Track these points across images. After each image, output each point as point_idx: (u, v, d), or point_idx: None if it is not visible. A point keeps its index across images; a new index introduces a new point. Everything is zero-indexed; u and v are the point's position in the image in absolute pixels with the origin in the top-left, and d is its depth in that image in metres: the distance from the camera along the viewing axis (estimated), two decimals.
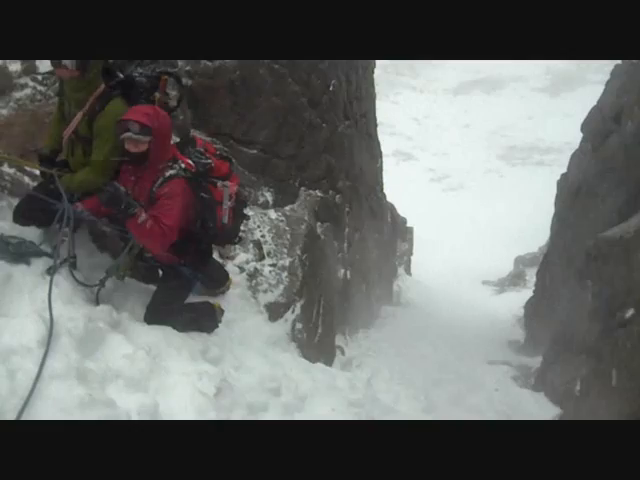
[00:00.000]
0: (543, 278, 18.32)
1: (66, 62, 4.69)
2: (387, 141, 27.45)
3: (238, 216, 5.46)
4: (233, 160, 5.89)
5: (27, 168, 5.68)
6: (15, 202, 5.29)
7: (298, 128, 9.80)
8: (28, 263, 4.70)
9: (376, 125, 18.56)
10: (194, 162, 5.07)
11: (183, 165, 4.98)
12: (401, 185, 35.78)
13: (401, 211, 25.19)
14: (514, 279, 29.96)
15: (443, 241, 37.11)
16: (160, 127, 4.77)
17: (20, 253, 4.68)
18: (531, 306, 19.12)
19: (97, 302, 4.95)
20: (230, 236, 5.53)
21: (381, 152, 19.61)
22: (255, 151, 9.07)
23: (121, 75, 5.12)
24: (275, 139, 9.36)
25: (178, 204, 4.90)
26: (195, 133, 7.93)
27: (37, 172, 5.56)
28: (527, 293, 21.79)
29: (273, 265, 7.59)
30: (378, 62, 18.71)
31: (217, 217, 5.17)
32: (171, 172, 4.93)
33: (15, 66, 6.09)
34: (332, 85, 11.24)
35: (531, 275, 25.41)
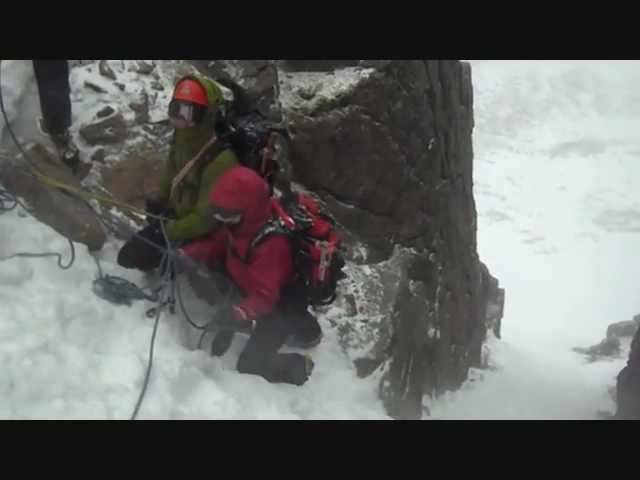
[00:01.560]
0: (638, 348, 17.59)
1: (183, 113, 4.84)
2: (481, 200, 27.23)
3: (334, 275, 5.43)
4: (334, 220, 5.90)
5: (134, 213, 5.87)
6: (121, 244, 5.44)
7: (396, 185, 9.79)
8: (129, 304, 4.83)
9: (472, 184, 18.42)
10: (295, 220, 5.07)
11: (283, 223, 4.99)
12: (494, 245, 35.32)
13: (493, 272, 24.78)
14: (607, 348, 28.85)
15: (534, 304, 36.23)
16: (248, 201, 4.78)
17: (123, 294, 4.82)
18: (624, 377, 18.33)
19: (199, 346, 5.06)
20: (326, 294, 5.51)
21: (476, 212, 19.42)
22: (352, 206, 9.10)
23: (232, 128, 5.23)
24: (372, 195, 9.38)
25: (277, 264, 4.94)
26: (295, 186, 8.04)
27: (143, 217, 5.73)
28: (620, 363, 20.97)
29: (365, 321, 7.55)
30: (476, 121, 18.65)
31: (313, 275, 5.15)
32: (270, 229, 4.94)
33: (129, 115, 6.32)
34: (431, 143, 11.23)
35: (625, 344, 24.51)
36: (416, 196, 10.52)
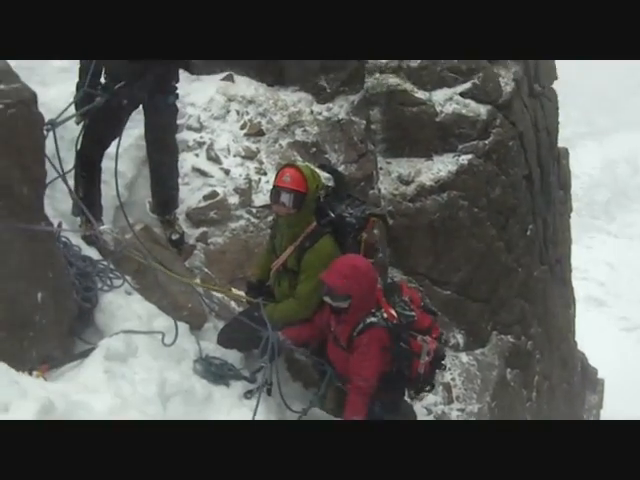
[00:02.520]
0: None
1: (284, 200, 4.91)
2: (579, 286, 26.40)
3: (434, 368, 5.30)
4: (438, 314, 5.81)
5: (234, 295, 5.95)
6: (221, 325, 5.51)
7: (493, 271, 9.61)
8: (228, 385, 4.86)
9: (570, 270, 17.92)
10: (397, 313, 5.00)
11: (385, 315, 4.93)
12: (592, 333, 34.03)
13: (592, 361, 23.78)
14: None
15: (636, 396, 34.49)
16: (360, 287, 4.77)
17: (221, 374, 4.86)
18: None
19: None
20: (424, 385, 5.38)
21: (574, 298, 18.81)
22: (449, 292, 8.97)
23: (332, 214, 5.28)
24: (470, 281, 9.23)
25: (376, 355, 4.86)
26: (393, 271, 8.01)
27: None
28: None
29: (461, 410, 7.34)
30: (573, 205, 18.25)
31: (413, 368, 5.03)
32: (372, 319, 4.87)
33: (233, 199, 6.50)
34: (530, 229, 11.03)
35: None
36: (514, 283, 10.29)
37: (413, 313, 5.04)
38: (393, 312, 4.95)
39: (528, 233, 10.95)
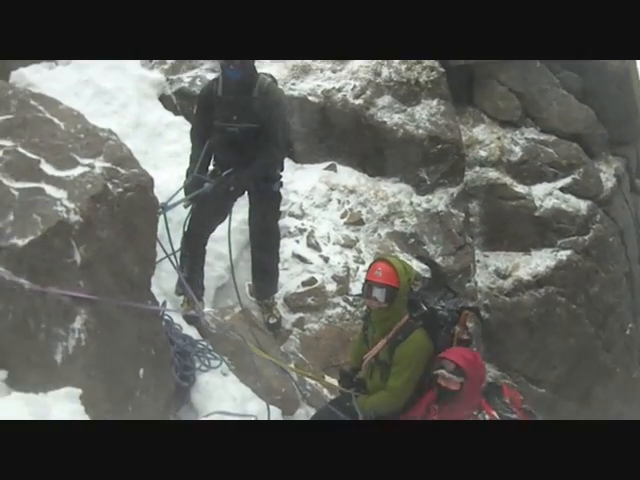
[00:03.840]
0: None
1: (376, 295, 4.90)
2: None
3: None
4: (537, 417, 5.60)
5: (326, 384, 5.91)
6: (312, 412, 5.46)
7: (590, 371, 9.25)
8: None
9: None
10: (499, 415, 4.86)
11: (487, 417, 4.80)
12: None
13: None
14: None
15: None
16: (475, 375, 4.68)
17: None
18: None
19: None
20: None
21: None
22: (544, 390, 8.67)
23: (424, 307, 5.22)
24: (565, 380, 8.90)
25: None
26: (486, 366, 7.81)
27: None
28: None
29: None
30: None
31: None
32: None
33: (331, 286, 6.55)
34: (629, 329, 10.61)
35: None
36: (612, 384, 9.86)
37: (515, 416, 4.89)
38: (495, 414, 4.81)
39: (628, 332, 10.52)
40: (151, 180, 4.49)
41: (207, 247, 5.75)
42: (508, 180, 8.64)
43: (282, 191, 6.04)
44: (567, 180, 8.90)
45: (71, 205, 4.03)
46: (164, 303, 5.14)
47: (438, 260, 7.36)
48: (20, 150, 4.27)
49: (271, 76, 5.90)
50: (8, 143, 4.31)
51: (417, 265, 7.15)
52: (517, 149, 8.76)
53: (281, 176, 5.90)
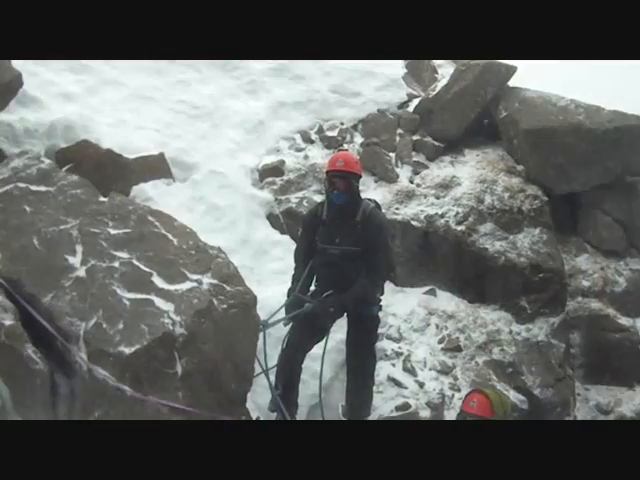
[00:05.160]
0: None
1: None
2: None
3: None
4: None
5: None
6: None
7: None
8: None
9: None
10: None
11: None
12: None
13: None
14: None
15: None
16: None
17: None
18: None
19: None
20: None
21: None
22: None
23: None
24: None
25: None
26: None
27: None
28: None
29: None
30: None
31: None
32: None
33: (425, 412, 6.32)
34: None
35: None
36: None
37: None
38: None
39: None
40: (254, 298, 4.61)
41: (303, 365, 5.75)
42: (611, 311, 8.34)
43: (381, 314, 6.03)
44: None
45: (177, 318, 4.18)
46: (257, 419, 5.15)
47: (536, 392, 7.06)
48: (135, 262, 4.51)
49: (375, 201, 6.02)
50: (125, 255, 4.56)
51: (514, 396, 6.89)
52: (621, 280, 8.50)
53: (381, 300, 5.91)
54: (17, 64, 6.32)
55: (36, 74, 7.09)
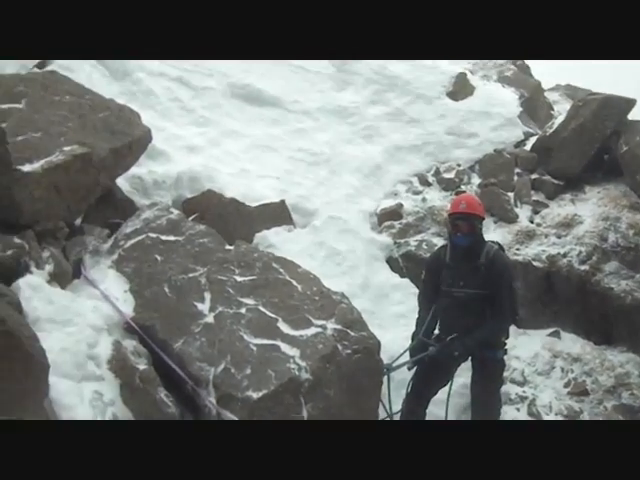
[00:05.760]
0: None
1: None
2: None
3: None
4: None
5: None
6: None
7: None
8: None
9: None
10: None
11: None
12: None
13: None
14: None
15: None
16: None
17: None
18: None
19: None
20: None
21: None
22: None
23: None
24: None
25: None
26: None
27: None
28: None
29: None
30: None
31: None
32: None
33: None
34: None
35: None
36: None
37: None
38: None
39: None
40: (378, 343, 4.62)
41: (427, 410, 5.68)
42: None
43: (505, 357, 5.89)
44: None
45: (303, 363, 4.24)
46: None
47: None
48: (261, 309, 4.61)
49: (498, 243, 5.93)
50: (251, 301, 4.68)
51: None
52: None
53: (506, 344, 5.77)
54: (146, 120, 6.64)
55: (163, 129, 7.41)
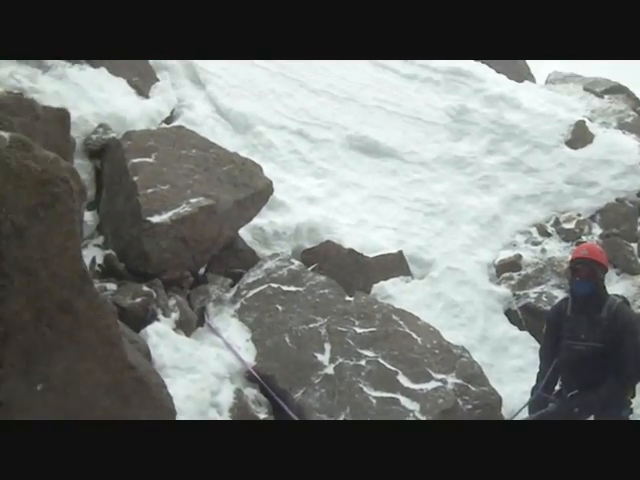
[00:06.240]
0: None
1: None
2: None
3: None
4: None
5: None
6: None
7: None
8: None
9: None
10: None
11: None
12: None
13: None
14: None
15: None
16: None
17: None
18: None
19: None
20: None
21: None
22: None
23: None
24: None
25: None
26: None
27: None
28: None
29: None
30: None
31: None
32: None
33: None
34: None
35: None
36: None
37: None
38: None
39: None
40: (499, 399, 4.52)
41: None
42: None
43: (630, 416, 5.59)
44: None
45: (423, 417, 4.17)
46: None
47: None
48: (381, 361, 4.60)
49: (623, 297, 5.69)
50: (371, 354, 4.68)
51: None
52: None
53: (631, 402, 5.48)
54: (267, 172, 6.83)
55: (283, 180, 7.57)
